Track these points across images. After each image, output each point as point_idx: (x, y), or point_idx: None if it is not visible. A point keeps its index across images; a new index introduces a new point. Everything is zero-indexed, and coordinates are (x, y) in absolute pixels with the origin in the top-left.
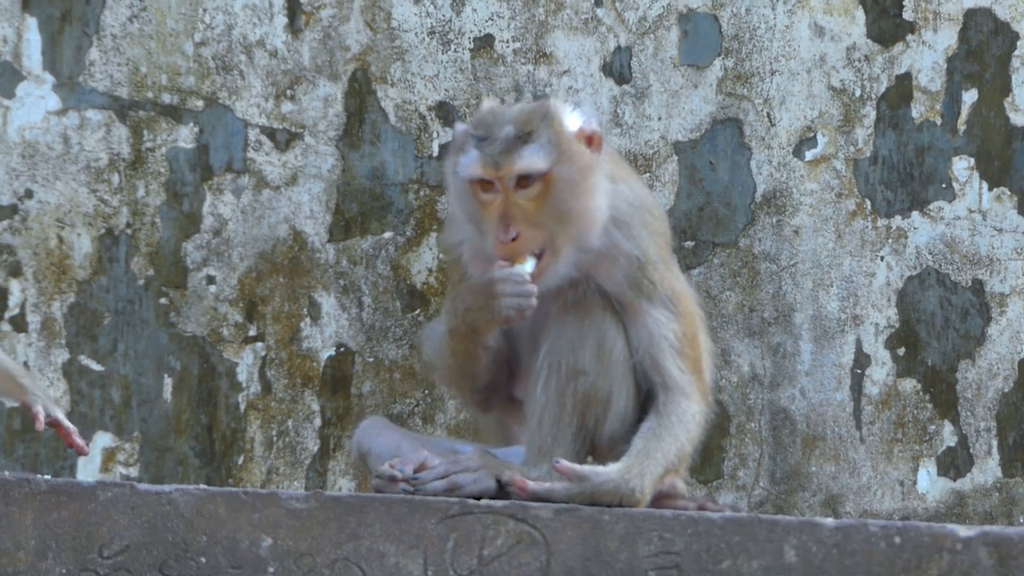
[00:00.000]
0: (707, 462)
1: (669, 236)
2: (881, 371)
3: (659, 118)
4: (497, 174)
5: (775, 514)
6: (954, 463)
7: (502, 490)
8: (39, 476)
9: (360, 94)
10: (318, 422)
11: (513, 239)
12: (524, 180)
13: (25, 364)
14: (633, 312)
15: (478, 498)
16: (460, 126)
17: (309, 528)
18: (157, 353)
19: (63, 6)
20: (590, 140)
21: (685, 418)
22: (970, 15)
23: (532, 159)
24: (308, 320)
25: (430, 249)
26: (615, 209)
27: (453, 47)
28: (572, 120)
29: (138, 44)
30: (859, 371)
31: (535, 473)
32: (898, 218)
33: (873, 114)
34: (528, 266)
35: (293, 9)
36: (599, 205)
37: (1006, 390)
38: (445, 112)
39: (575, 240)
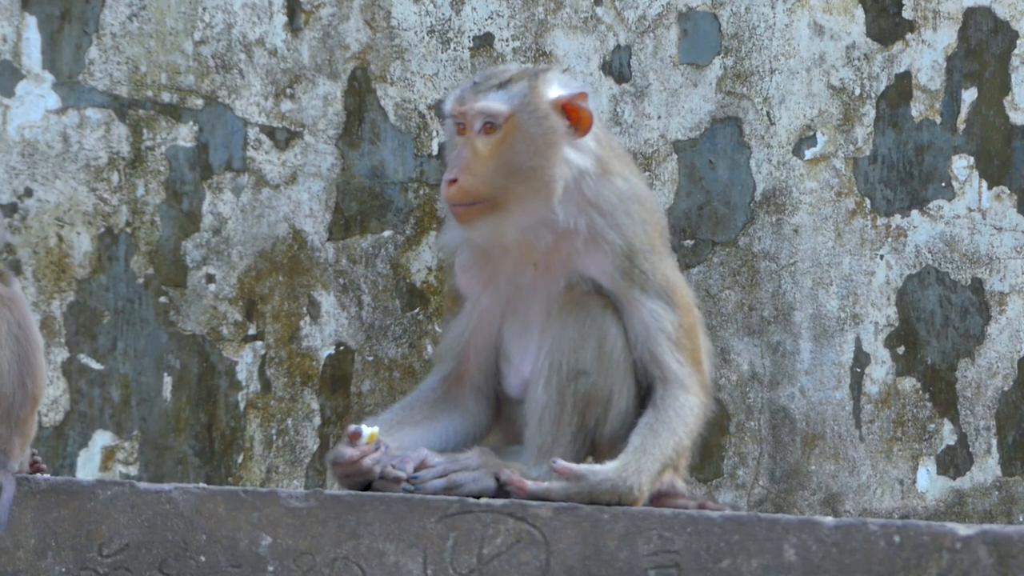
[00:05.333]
0: (707, 461)
1: (663, 229)
2: (881, 370)
3: (659, 117)
4: (461, 108)
5: (775, 513)
6: (953, 462)
7: (501, 489)
8: (39, 475)
9: (360, 93)
10: (318, 421)
11: (452, 181)
12: (489, 126)
13: None
14: (628, 304)
15: (478, 497)
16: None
17: (308, 527)
18: (157, 352)
19: (63, 5)
20: (572, 113)
21: (683, 412)
22: (970, 14)
23: (495, 102)
24: (308, 319)
25: (429, 248)
26: (601, 198)
27: (452, 46)
28: (554, 88)
29: (138, 43)
30: (859, 370)
31: (535, 472)
32: (898, 217)
33: (873, 113)
34: (366, 434)
35: (293, 8)
36: (557, 175)
37: (1006, 389)
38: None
39: (525, 202)
